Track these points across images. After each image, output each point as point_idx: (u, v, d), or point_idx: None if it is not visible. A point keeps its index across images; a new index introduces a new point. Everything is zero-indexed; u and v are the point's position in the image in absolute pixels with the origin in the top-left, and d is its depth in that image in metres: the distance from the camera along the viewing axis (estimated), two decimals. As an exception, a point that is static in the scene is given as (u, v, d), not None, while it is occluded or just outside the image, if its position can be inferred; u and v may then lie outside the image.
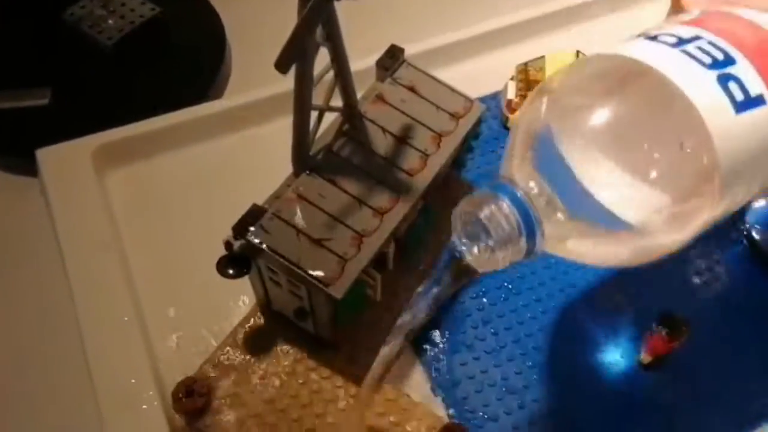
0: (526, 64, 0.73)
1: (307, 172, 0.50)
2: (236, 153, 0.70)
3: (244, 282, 0.53)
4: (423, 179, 0.51)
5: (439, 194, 0.62)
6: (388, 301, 0.57)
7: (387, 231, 0.49)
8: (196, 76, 0.77)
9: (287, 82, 0.44)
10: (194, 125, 0.70)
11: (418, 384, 0.58)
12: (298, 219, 0.47)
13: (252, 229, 0.47)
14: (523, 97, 0.71)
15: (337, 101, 0.51)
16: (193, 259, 0.56)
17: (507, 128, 0.74)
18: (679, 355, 0.59)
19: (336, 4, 0.41)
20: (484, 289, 0.63)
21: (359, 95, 0.53)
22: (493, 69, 0.77)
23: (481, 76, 0.77)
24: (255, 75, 0.73)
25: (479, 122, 0.57)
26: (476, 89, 0.76)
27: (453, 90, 0.56)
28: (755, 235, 0.65)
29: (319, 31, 0.43)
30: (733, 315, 0.62)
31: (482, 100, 0.76)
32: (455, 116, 0.55)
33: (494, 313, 0.62)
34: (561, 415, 0.56)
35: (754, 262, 0.65)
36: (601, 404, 0.57)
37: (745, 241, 0.65)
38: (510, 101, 0.72)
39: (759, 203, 0.66)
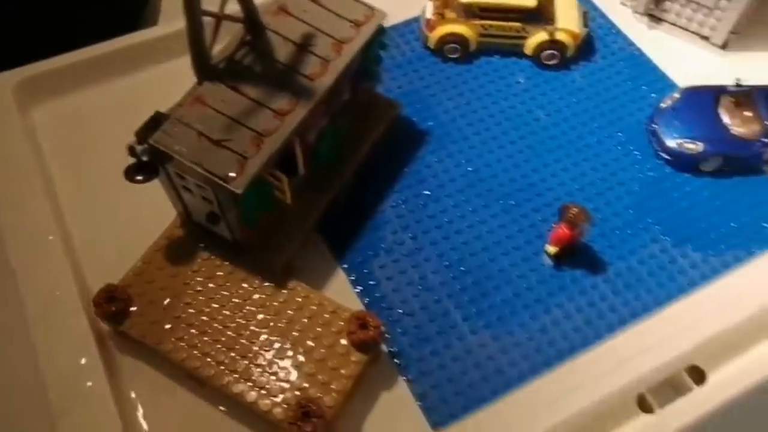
0: (442, -17, 0.75)
1: (211, 80, 0.52)
2: (167, 82, 0.71)
3: (167, 200, 0.56)
4: (323, 83, 0.53)
5: (361, 111, 0.65)
6: (302, 208, 0.59)
7: (287, 131, 0.51)
8: (125, 3, 0.77)
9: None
10: (123, 56, 0.71)
11: (338, 286, 0.61)
12: (199, 122, 0.50)
13: (155, 134, 0.49)
14: (441, 15, 0.73)
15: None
16: (119, 183, 0.58)
17: (428, 48, 0.76)
18: (583, 244, 0.62)
19: None
20: (403, 198, 0.66)
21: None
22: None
23: (398, 3, 0.79)
24: None
25: (383, 31, 0.59)
26: (400, 13, 0.79)
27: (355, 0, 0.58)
28: (659, 132, 0.67)
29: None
30: (629, 203, 0.65)
31: (406, 23, 0.79)
32: (356, 24, 0.57)
33: (413, 220, 0.65)
34: (474, 304, 0.60)
35: (658, 157, 0.68)
36: (512, 293, 0.60)
37: (652, 139, 0.68)
38: (428, 20, 0.74)
39: (664, 104, 0.69)
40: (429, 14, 0.74)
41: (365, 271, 0.61)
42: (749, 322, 0.58)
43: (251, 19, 0.54)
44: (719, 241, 0.63)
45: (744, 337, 0.58)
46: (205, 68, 0.51)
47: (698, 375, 0.57)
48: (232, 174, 0.48)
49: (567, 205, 0.58)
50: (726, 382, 0.55)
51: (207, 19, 0.49)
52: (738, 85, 0.68)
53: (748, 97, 0.67)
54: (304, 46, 0.55)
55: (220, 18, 0.51)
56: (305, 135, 0.56)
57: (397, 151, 0.69)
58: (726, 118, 0.67)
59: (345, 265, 0.62)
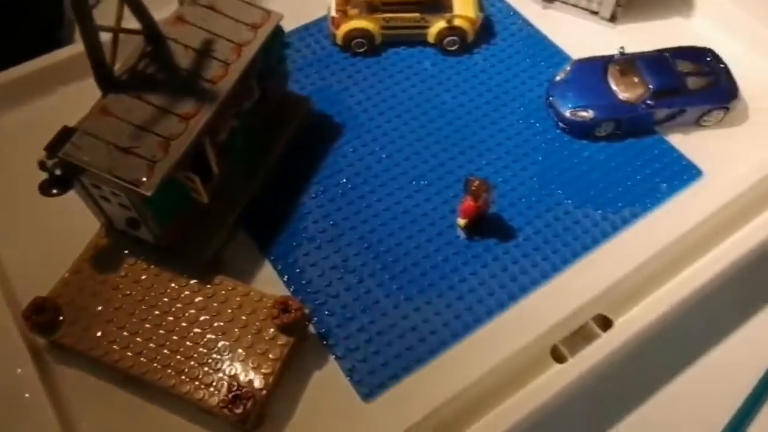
0: (343, -19, 0.78)
1: (115, 92, 0.54)
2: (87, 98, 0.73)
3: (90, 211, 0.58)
4: (225, 85, 0.56)
5: (273, 109, 0.68)
6: (223, 206, 0.62)
7: (193, 133, 0.53)
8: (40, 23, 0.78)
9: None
10: (41, 76, 0.73)
11: (265, 277, 0.63)
12: (106, 133, 0.52)
13: (64, 147, 0.51)
14: (343, 12, 0.76)
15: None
16: (42, 200, 0.59)
17: (336, 44, 0.79)
18: (493, 214, 0.67)
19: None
20: (322, 187, 0.69)
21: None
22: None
23: (309, 2, 0.82)
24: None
25: (281, 31, 0.62)
26: (309, 13, 0.82)
27: (250, 4, 0.61)
28: (555, 104, 0.72)
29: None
30: (534, 172, 0.70)
31: (315, 22, 0.82)
32: (254, 27, 0.60)
33: (332, 208, 0.68)
34: (395, 280, 0.63)
35: (557, 127, 0.73)
36: (430, 266, 0.64)
37: (550, 111, 0.73)
38: (333, 18, 0.77)
39: (558, 77, 0.74)
40: (333, 12, 0.77)
41: (290, 260, 0.64)
42: (647, 270, 0.63)
43: (150, 31, 0.56)
44: (617, 199, 0.68)
45: (643, 283, 0.63)
46: (107, 80, 0.54)
47: (605, 322, 0.62)
48: (143, 178, 0.51)
49: (469, 178, 0.62)
50: (628, 325, 0.59)
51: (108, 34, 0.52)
52: (622, 54, 0.73)
53: (632, 64, 0.72)
54: (204, 52, 0.57)
55: (117, 32, 0.53)
56: (215, 136, 0.58)
57: (313, 145, 0.72)
58: (614, 85, 0.72)
59: (271, 257, 0.65)
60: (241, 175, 0.65)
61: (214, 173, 0.60)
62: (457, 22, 0.76)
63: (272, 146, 0.67)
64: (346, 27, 0.77)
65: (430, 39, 0.78)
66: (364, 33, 0.77)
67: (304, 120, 0.71)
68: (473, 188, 0.61)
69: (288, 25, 0.80)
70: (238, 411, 0.52)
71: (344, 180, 0.70)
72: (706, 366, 0.63)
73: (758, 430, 0.59)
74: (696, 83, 0.71)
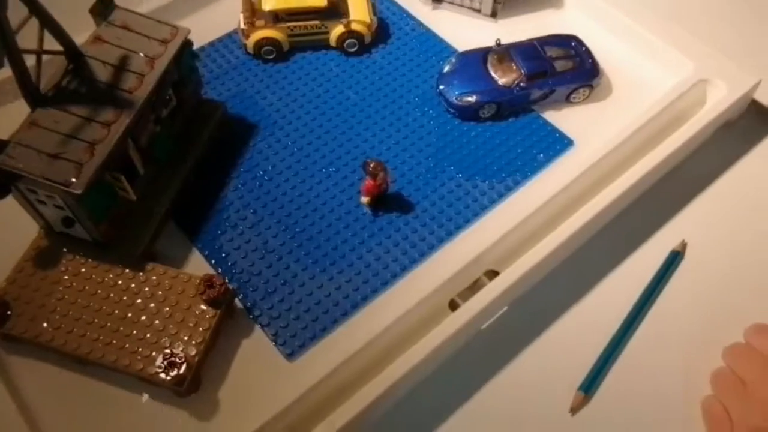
0: (245, -4, 0.87)
1: (42, 106, 0.61)
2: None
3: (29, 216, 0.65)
4: (141, 94, 0.64)
5: (190, 114, 0.76)
6: (151, 202, 0.70)
7: (115, 137, 0.61)
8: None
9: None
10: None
11: (195, 263, 0.71)
12: (36, 142, 0.59)
13: (-1, 157, 0.58)
14: (252, 24, 0.85)
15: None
16: None
17: (249, 54, 0.87)
18: (394, 191, 0.76)
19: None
20: (242, 181, 0.77)
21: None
22: (229, 8, 0.90)
23: (221, 17, 0.91)
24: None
25: (189, 44, 0.71)
26: (223, 27, 0.90)
27: (160, 22, 0.69)
28: (444, 92, 0.82)
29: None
30: (429, 153, 0.80)
31: (228, 35, 0.90)
32: (164, 42, 0.68)
33: (252, 198, 0.76)
34: (310, 256, 0.72)
35: (447, 113, 0.83)
36: (340, 241, 0.73)
37: (441, 99, 0.83)
38: (243, 30, 0.86)
39: (445, 69, 0.84)
40: (242, 25, 0.86)
41: (216, 246, 0.72)
42: (527, 227, 0.73)
43: (70, 50, 0.63)
44: (501, 171, 0.78)
45: (526, 239, 0.73)
46: (34, 97, 0.61)
47: (494, 276, 0.71)
48: (72, 179, 0.58)
49: (366, 161, 0.71)
50: (511, 274, 0.69)
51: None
52: (499, 45, 0.84)
53: (507, 53, 0.83)
54: (121, 66, 0.65)
55: (39, 53, 0.61)
56: (138, 140, 0.66)
57: (232, 145, 0.80)
58: (493, 72, 0.82)
59: (199, 245, 0.73)
60: (166, 174, 0.72)
61: (139, 173, 0.67)
62: (354, 26, 0.86)
63: (192, 147, 0.75)
64: (255, 37, 0.85)
65: (332, 43, 0.87)
66: (271, 41, 0.86)
67: (219, 123, 0.79)
68: (370, 169, 0.70)
69: (204, 39, 0.89)
70: (173, 374, 0.60)
71: (261, 173, 0.78)
72: (581, 309, 0.73)
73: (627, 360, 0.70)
74: (563, 66, 0.82)
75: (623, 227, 0.77)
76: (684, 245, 0.76)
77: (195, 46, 0.87)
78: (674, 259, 0.75)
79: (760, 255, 0.75)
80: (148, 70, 0.65)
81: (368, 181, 0.72)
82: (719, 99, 0.81)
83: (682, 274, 0.74)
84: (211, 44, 0.89)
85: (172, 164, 0.73)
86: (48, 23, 0.60)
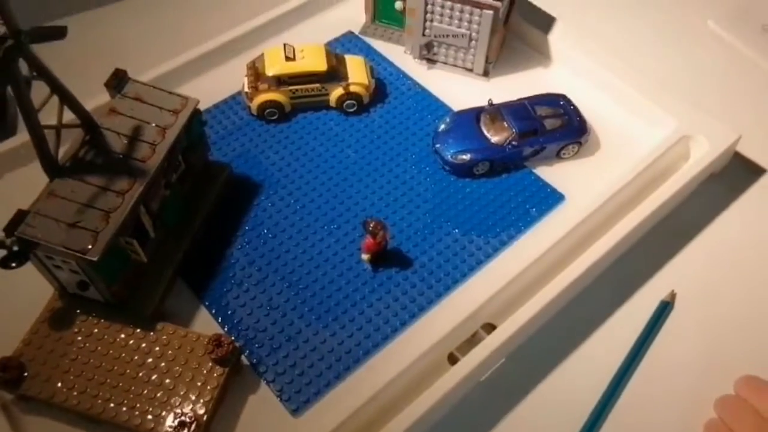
0: (253, 62, 0.91)
1: (60, 177, 0.65)
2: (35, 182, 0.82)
3: (44, 279, 0.68)
4: (153, 163, 0.68)
5: (198, 176, 0.79)
6: (161, 263, 0.73)
7: (129, 205, 0.64)
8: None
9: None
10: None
11: (202, 320, 0.74)
12: (55, 212, 0.63)
13: (20, 227, 0.61)
14: (254, 88, 0.89)
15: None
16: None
17: (253, 115, 0.92)
18: (393, 247, 0.79)
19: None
20: (247, 239, 0.80)
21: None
22: (234, 72, 0.95)
23: (226, 80, 0.95)
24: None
25: (198, 113, 0.75)
26: (228, 89, 0.95)
27: (171, 93, 0.73)
28: (439, 151, 0.86)
29: (26, 71, 0.58)
30: (426, 209, 0.83)
31: (233, 96, 0.95)
32: (175, 112, 0.72)
33: (257, 255, 0.79)
34: (313, 312, 0.75)
35: (443, 170, 0.86)
36: (342, 297, 0.76)
37: (437, 157, 0.87)
38: (247, 93, 0.90)
39: (440, 128, 0.88)
40: (246, 88, 0.90)
41: (222, 303, 0.75)
42: (522, 281, 0.76)
43: (87, 123, 0.67)
44: (495, 225, 0.82)
45: (520, 292, 0.76)
46: (53, 168, 0.64)
47: (491, 329, 0.74)
48: (88, 246, 0.62)
49: (366, 220, 0.74)
50: (508, 327, 0.72)
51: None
52: (491, 104, 0.88)
53: (499, 112, 0.87)
54: (134, 137, 0.69)
55: (59, 128, 0.65)
56: (149, 204, 0.70)
57: (236, 203, 0.83)
58: (486, 131, 0.86)
59: (206, 302, 0.75)
60: (175, 235, 0.76)
61: (150, 236, 0.71)
62: (352, 88, 0.90)
63: (200, 208, 0.79)
64: (258, 100, 0.89)
65: (332, 104, 0.92)
66: (274, 104, 0.90)
67: (225, 184, 0.82)
68: (370, 228, 0.74)
69: (210, 101, 0.94)
70: (184, 433, 0.62)
71: (266, 231, 0.81)
72: (575, 360, 0.75)
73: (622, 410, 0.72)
74: (552, 124, 0.86)
75: (614, 278, 0.80)
76: (673, 295, 0.79)
77: (201, 108, 0.92)
78: (664, 309, 0.78)
79: (747, 304, 0.78)
80: (160, 140, 0.69)
81: (368, 240, 0.75)
82: (702, 154, 0.85)
83: (673, 323, 0.77)
84: (216, 106, 0.94)
85: (180, 225, 0.76)
86: (67, 99, 0.64)
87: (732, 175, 0.90)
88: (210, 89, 0.94)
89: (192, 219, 0.78)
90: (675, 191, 0.82)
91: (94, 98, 0.82)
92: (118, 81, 0.72)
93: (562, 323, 0.76)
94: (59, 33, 0.59)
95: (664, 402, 0.71)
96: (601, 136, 0.90)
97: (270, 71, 0.88)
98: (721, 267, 0.82)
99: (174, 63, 0.94)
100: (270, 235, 0.81)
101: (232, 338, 0.69)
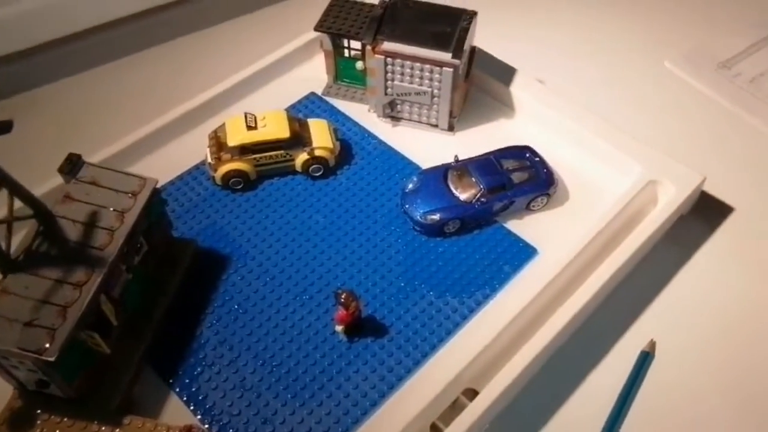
0: (215, 131, 0.90)
1: (13, 272, 0.62)
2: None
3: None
4: (112, 250, 0.65)
5: (162, 256, 0.77)
6: (126, 351, 0.70)
7: (87, 298, 0.62)
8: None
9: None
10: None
11: (173, 408, 0.71)
12: (8, 311, 0.60)
13: (-29, 330, 0.58)
14: (218, 158, 0.88)
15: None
16: None
17: (218, 185, 0.90)
18: (367, 315, 0.77)
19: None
20: (216, 316, 0.78)
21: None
22: (196, 142, 0.93)
23: (188, 149, 0.94)
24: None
25: (157, 192, 0.73)
26: (191, 160, 0.93)
27: (128, 174, 0.71)
28: (408, 211, 0.85)
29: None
30: (398, 272, 0.81)
31: (197, 167, 0.93)
32: (133, 194, 0.70)
33: (228, 333, 0.77)
34: (289, 390, 0.72)
35: (414, 231, 0.85)
36: (318, 371, 0.73)
37: (406, 218, 0.85)
38: (210, 164, 0.88)
39: (408, 188, 0.87)
40: (209, 159, 0.88)
41: (194, 388, 0.72)
42: (501, 342, 0.74)
43: (40, 213, 0.65)
44: (470, 285, 0.80)
45: (500, 353, 0.74)
46: (5, 264, 0.62)
47: (473, 394, 0.72)
48: (45, 345, 0.59)
49: (338, 291, 0.72)
50: (491, 392, 0.70)
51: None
52: (457, 161, 0.88)
53: (466, 168, 0.86)
54: (91, 223, 0.66)
55: (10, 221, 0.62)
56: (110, 293, 0.67)
57: (204, 279, 0.81)
58: (453, 189, 0.85)
59: (176, 389, 0.72)
60: (140, 320, 0.73)
61: (113, 325, 0.68)
62: (317, 153, 0.89)
63: (165, 289, 0.76)
64: (222, 170, 0.88)
65: (298, 169, 0.91)
66: (239, 173, 0.88)
67: (191, 260, 0.80)
68: (342, 300, 0.72)
69: (173, 173, 0.92)
70: None
71: (236, 306, 0.79)
72: (560, 419, 0.73)
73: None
74: (520, 177, 0.86)
75: (593, 330, 0.79)
76: (653, 344, 0.78)
77: (164, 181, 0.90)
78: (645, 359, 0.77)
79: (729, 343, 0.78)
80: (118, 225, 0.67)
81: (341, 311, 0.73)
82: (669, 198, 0.85)
83: (655, 372, 0.76)
84: (180, 177, 0.92)
85: (145, 308, 0.74)
86: (17, 191, 0.62)
87: (701, 215, 0.90)
88: (172, 161, 0.93)
89: (158, 301, 0.75)
90: (646, 238, 0.81)
91: (48, 182, 0.81)
92: (71, 166, 0.70)
93: (544, 381, 0.75)
94: (4, 128, 0.57)
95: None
96: (569, 185, 0.90)
97: (232, 141, 0.87)
98: (697, 310, 0.81)
99: (133, 137, 0.92)
100: (241, 311, 0.78)
101: (205, 426, 0.65)
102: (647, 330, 0.79)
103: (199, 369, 0.74)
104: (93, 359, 0.67)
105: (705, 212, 0.90)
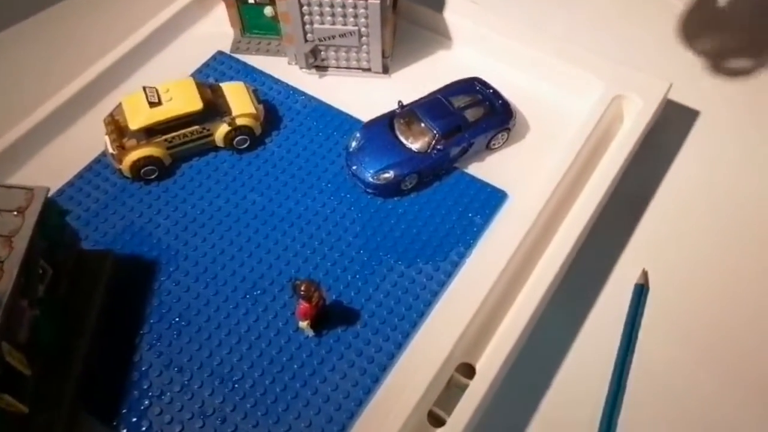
0: (111, 115, 0.75)
1: None
2: None
3: None
4: (4, 286, 0.51)
5: (74, 276, 0.63)
6: (51, 400, 0.57)
7: (-18, 354, 0.48)
8: None
9: None
10: None
11: (122, 455, 0.59)
12: None
13: None
14: (120, 146, 0.73)
15: None
16: None
17: (127, 178, 0.75)
18: (333, 302, 0.66)
19: None
20: (156, 336, 0.65)
21: None
22: (90, 131, 0.78)
23: (82, 141, 0.78)
24: None
25: (51, 201, 0.58)
26: (86, 155, 0.78)
27: (9, 187, 0.57)
28: (357, 173, 0.74)
29: None
30: (359, 245, 0.71)
31: (97, 161, 0.78)
32: (20, 211, 0.55)
33: (173, 352, 0.64)
34: (258, 406, 0.61)
35: (367, 194, 0.74)
36: (288, 378, 0.63)
37: (356, 180, 0.74)
38: (113, 154, 0.74)
39: (351, 146, 0.75)
40: (111, 148, 0.74)
41: (144, 427, 0.60)
42: (488, 307, 0.66)
43: None
44: (441, 246, 0.71)
45: (490, 320, 0.66)
46: None
47: (469, 370, 0.64)
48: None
49: (295, 282, 0.61)
50: (489, 366, 0.61)
51: None
52: (401, 106, 0.77)
53: (413, 113, 0.75)
54: (-30, 258, 0.52)
55: None
56: (14, 339, 0.53)
57: (132, 293, 0.68)
58: (404, 140, 0.74)
59: (124, 431, 0.60)
60: (61, 360, 0.60)
61: (26, 376, 0.55)
62: (239, 121, 0.76)
63: (85, 314, 0.63)
64: (129, 159, 0.73)
65: (219, 143, 0.77)
66: (150, 160, 0.74)
67: (111, 273, 0.67)
68: (302, 292, 0.61)
69: (69, 173, 0.77)
70: None
71: (176, 318, 0.66)
72: (568, 369, 0.66)
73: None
74: (474, 114, 0.76)
75: (583, 269, 0.71)
76: (645, 274, 0.71)
77: (60, 183, 0.75)
78: (640, 292, 0.70)
79: (725, 253, 0.72)
80: (7, 253, 0.53)
81: (303, 305, 0.62)
82: (638, 112, 0.77)
83: (653, 304, 0.69)
84: (80, 176, 0.76)
85: (65, 344, 0.60)
86: None
87: (669, 126, 0.83)
88: (64, 159, 0.77)
89: (79, 331, 0.62)
90: (622, 160, 0.74)
91: None
92: (-68, 189, 0.54)
93: (543, 334, 0.67)
94: None
95: (666, 393, 0.63)
96: (528, 115, 0.81)
97: (134, 124, 0.72)
98: (684, 224, 0.75)
99: (6, 140, 0.76)
100: (183, 323, 0.66)
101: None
102: (637, 259, 0.72)
103: (146, 402, 0.62)
104: (8, 425, 0.53)
105: (674, 121, 0.83)
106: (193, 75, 0.85)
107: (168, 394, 0.62)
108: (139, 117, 0.72)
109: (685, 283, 0.70)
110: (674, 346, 0.67)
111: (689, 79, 0.87)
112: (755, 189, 0.77)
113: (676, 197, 0.77)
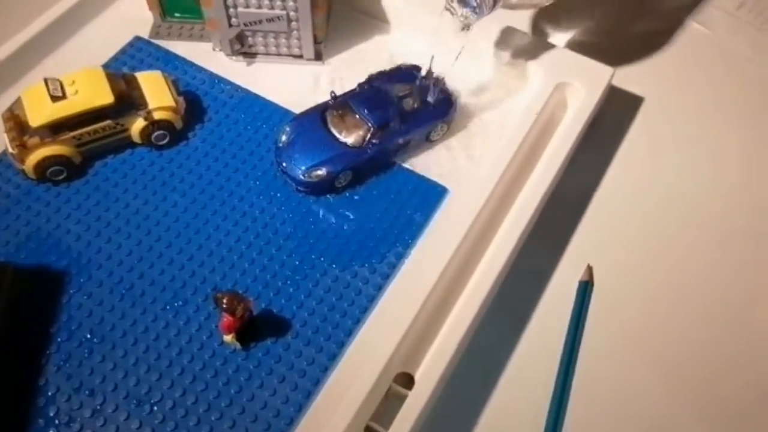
0: (9, 110, 0.67)
1: None
2: None
3: None
4: None
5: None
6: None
7: None
8: None
9: None
10: None
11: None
12: None
13: None
14: (22, 145, 0.66)
15: None
16: None
17: (32, 179, 0.68)
18: (260, 311, 0.62)
19: None
20: (64, 356, 0.59)
21: None
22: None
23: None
24: None
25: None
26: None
27: None
28: (287, 170, 0.68)
29: None
30: (290, 248, 0.66)
31: (-5, 163, 0.70)
32: None
33: (83, 374, 0.59)
34: (178, 429, 0.56)
35: (298, 192, 0.69)
36: (213, 398, 0.58)
37: (286, 177, 0.69)
38: (14, 154, 0.66)
39: (281, 141, 0.70)
40: (11, 148, 0.66)
41: (55, 456, 0.55)
42: (427, 311, 0.62)
43: None
44: (378, 246, 0.66)
45: (429, 326, 0.62)
46: None
47: (407, 379, 0.60)
48: None
49: (216, 295, 0.56)
50: (429, 374, 0.58)
51: None
52: (334, 97, 0.71)
53: (347, 105, 0.70)
54: None
55: None
56: None
57: (37, 309, 0.61)
58: (337, 133, 0.69)
59: (32, 462, 0.55)
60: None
61: None
62: (157, 115, 0.69)
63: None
64: (32, 159, 0.66)
65: (136, 139, 0.71)
66: (57, 159, 0.67)
67: (10, 288, 0.60)
68: (224, 305, 0.56)
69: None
70: None
71: (87, 335, 0.60)
72: (512, 371, 0.63)
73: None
74: (411, 104, 0.71)
75: (526, 265, 0.68)
76: (590, 270, 0.69)
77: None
78: (585, 290, 0.67)
79: (671, 246, 0.70)
80: None
81: (227, 318, 0.57)
82: (581, 100, 0.74)
83: (597, 300, 0.67)
84: (-24, 178, 0.69)
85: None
86: None
87: (612, 112, 0.80)
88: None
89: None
90: (567, 150, 0.70)
91: None
92: None
93: (485, 338, 0.63)
94: None
95: (613, 390, 0.61)
96: (469, 105, 0.77)
97: (36, 121, 0.65)
98: (629, 214, 0.72)
99: None
100: (95, 340, 0.60)
101: None
102: (581, 254, 0.69)
103: (52, 431, 0.56)
104: None
105: (615, 108, 0.80)
106: (107, 63, 0.78)
107: (78, 420, 0.56)
108: (40, 113, 0.65)
109: (631, 278, 0.68)
110: (619, 343, 0.64)
111: (633, 64, 0.84)
112: (701, 179, 0.75)
113: (621, 189, 0.74)
